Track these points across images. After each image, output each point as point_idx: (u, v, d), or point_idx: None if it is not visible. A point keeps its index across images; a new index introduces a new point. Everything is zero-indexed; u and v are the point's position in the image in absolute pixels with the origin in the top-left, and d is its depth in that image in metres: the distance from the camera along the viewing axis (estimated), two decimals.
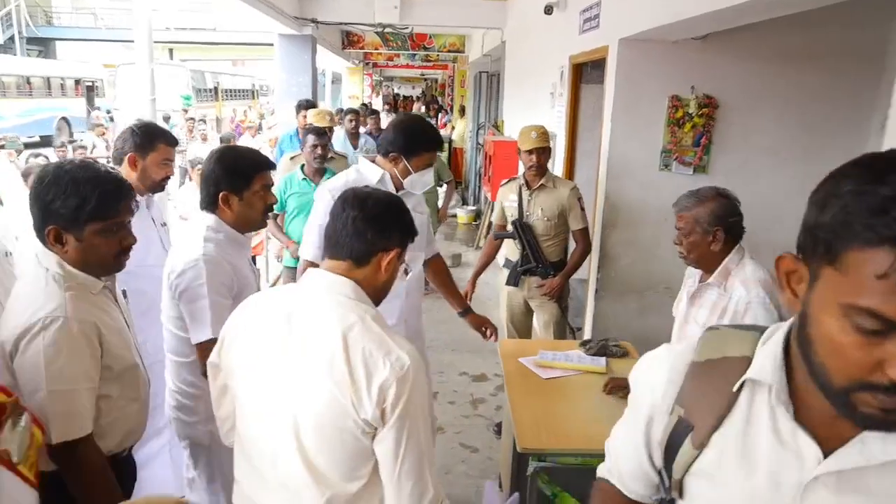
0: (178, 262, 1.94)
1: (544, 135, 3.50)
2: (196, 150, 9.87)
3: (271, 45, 8.64)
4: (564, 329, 3.68)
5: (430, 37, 12.58)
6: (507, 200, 3.66)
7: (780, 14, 2.76)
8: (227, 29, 25.31)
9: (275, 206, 3.95)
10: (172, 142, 2.60)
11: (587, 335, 4.11)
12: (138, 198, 2.50)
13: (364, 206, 1.41)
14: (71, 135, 18.69)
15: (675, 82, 3.70)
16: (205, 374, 1.78)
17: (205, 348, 1.84)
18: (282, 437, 1.33)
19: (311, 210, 3.98)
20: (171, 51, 28.36)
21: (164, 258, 2.48)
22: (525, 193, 3.57)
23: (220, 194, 1.98)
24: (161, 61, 20.47)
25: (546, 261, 3.56)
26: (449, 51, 13.25)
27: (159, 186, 2.60)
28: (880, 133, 3.76)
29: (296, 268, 4.02)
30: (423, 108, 20.91)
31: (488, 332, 2.79)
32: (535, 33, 6.23)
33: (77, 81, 21.57)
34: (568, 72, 4.79)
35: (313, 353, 1.30)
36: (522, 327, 3.78)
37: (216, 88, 24.43)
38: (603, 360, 2.83)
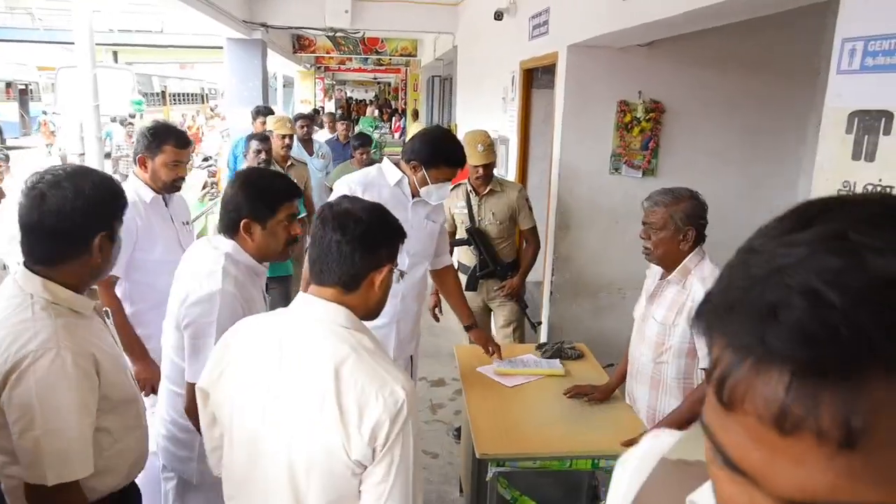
0: (192, 291, 1.78)
1: (490, 146, 3.49)
2: None
3: (221, 47, 8.48)
4: (524, 325, 3.74)
5: (382, 41, 12.55)
6: (455, 207, 3.65)
7: (720, 23, 2.87)
8: (174, 31, 24.71)
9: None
10: (182, 143, 2.60)
11: (543, 338, 4.16)
12: (155, 195, 2.58)
13: (346, 229, 1.30)
14: (3, 140, 17.91)
15: (624, 88, 3.78)
16: (189, 413, 1.72)
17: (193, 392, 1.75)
18: (274, 473, 1.29)
19: None
20: (115, 53, 27.52)
21: (180, 254, 2.39)
22: (474, 199, 3.59)
23: (242, 222, 1.83)
24: (105, 64, 19.84)
25: (503, 262, 3.62)
26: (401, 55, 13.24)
27: (172, 187, 2.63)
28: (816, 134, 3.95)
29: (269, 277, 3.99)
30: (376, 112, 20.83)
31: (491, 350, 2.78)
32: (487, 38, 6.29)
33: (8, 84, 20.67)
34: (519, 77, 4.84)
35: (305, 387, 1.26)
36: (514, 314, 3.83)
37: (164, 92, 23.84)
38: (558, 362, 2.86)
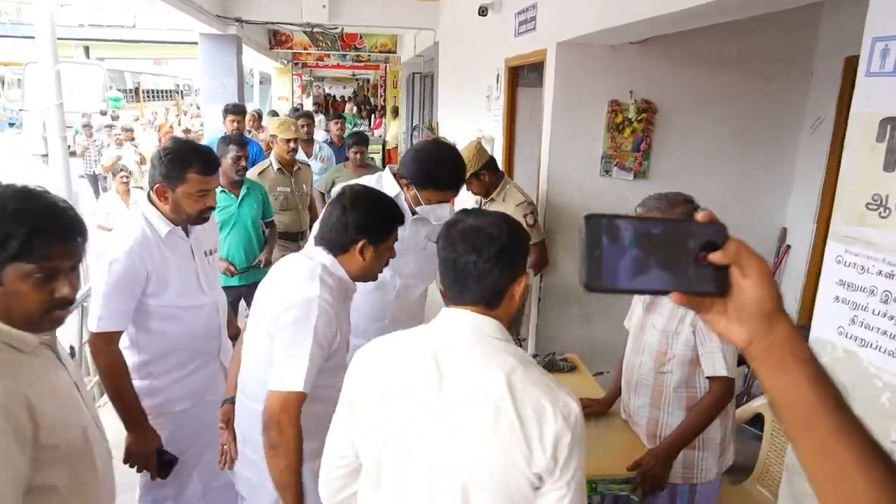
0: (290, 295, 1.70)
1: (474, 158, 3.33)
2: (112, 155, 9.26)
3: (195, 43, 8.21)
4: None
5: (361, 37, 12.32)
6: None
7: (714, 21, 2.75)
8: (147, 26, 24.20)
9: None
10: (208, 169, 2.14)
11: (531, 347, 4.03)
12: (173, 227, 2.15)
13: (481, 250, 1.24)
14: None
15: (615, 87, 3.65)
16: (271, 423, 1.61)
17: (288, 402, 1.61)
18: (444, 496, 1.20)
19: (237, 225, 3.80)
20: (86, 49, 26.91)
21: (201, 297, 2.25)
22: (484, 205, 3.46)
23: (360, 243, 1.78)
24: (75, 59, 19.30)
25: None
26: (380, 51, 13.01)
27: (199, 219, 2.20)
28: (810, 135, 3.86)
29: (235, 286, 3.77)
30: (354, 109, 20.57)
31: None
32: (470, 35, 6.14)
33: None
34: (504, 75, 4.70)
35: (474, 401, 1.19)
36: None
37: (137, 89, 23.34)
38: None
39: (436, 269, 2.47)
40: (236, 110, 5.47)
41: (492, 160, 3.51)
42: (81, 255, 1.34)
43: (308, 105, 21.61)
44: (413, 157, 2.31)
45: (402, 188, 2.33)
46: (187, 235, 2.23)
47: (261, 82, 21.54)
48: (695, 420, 2.04)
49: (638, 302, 2.23)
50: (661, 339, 2.02)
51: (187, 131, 14.36)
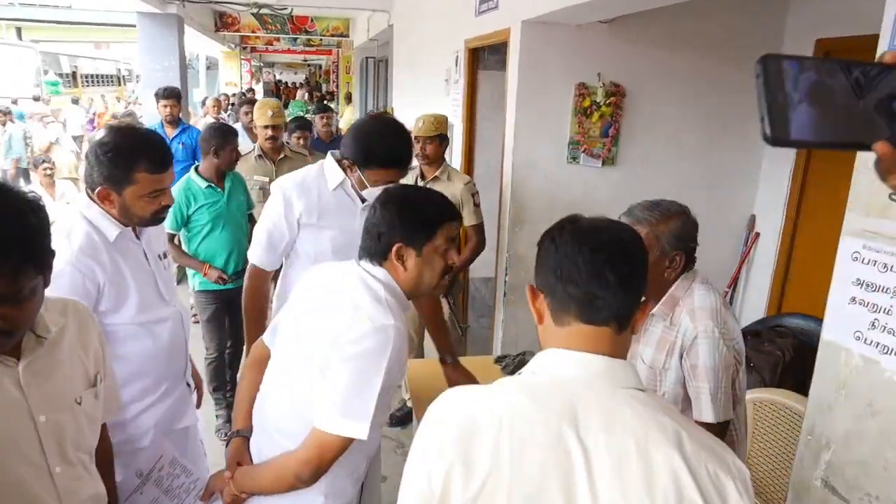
0: (353, 323, 1.39)
1: (433, 123, 3.36)
2: (45, 139, 8.64)
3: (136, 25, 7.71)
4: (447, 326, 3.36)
5: (312, 20, 11.90)
6: None
7: None
8: (83, 7, 23.00)
9: (169, 225, 3.08)
10: (160, 164, 1.76)
11: (497, 343, 3.84)
12: (123, 229, 1.77)
13: (616, 255, 0.97)
14: None
15: (582, 69, 3.46)
16: (311, 468, 1.37)
17: (341, 448, 1.37)
18: None
19: (228, 223, 3.40)
20: (18, 30, 25.49)
21: (163, 308, 1.87)
22: (420, 184, 3.37)
23: (396, 246, 1.48)
24: (5, 41, 18.22)
25: None
26: (332, 35, 12.62)
27: (153, 221, 1.84)
28: None
29: (211, 291, 3.37)
30: (306, 96, 20.04)
31: None
32: (427, 15, 5.88)
33: None
34: (463, 57, 4.47)
35: (637, 482, 0.86)
36: (412, 323, 3.47)
37: (74, 74, 22.16)
38: None
39: None
40: (168, 94, 5.04)
41: (446, 139, 3.49)
42: (23, 280, 1.10)
43: (259, 92, 20.95)
44: (353, 135, 2.08)
45: (345, 173, 2.11)
46: (138, 238, 1.86)
47: (208, 67, 20.78)
48: None
49: None
50: (650, 375, 1.76)
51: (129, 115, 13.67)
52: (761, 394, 2.41)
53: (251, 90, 17.47)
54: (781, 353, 3.22)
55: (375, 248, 1.49)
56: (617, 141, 3.57)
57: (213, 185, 3.36)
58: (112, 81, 26.11)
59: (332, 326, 1.41)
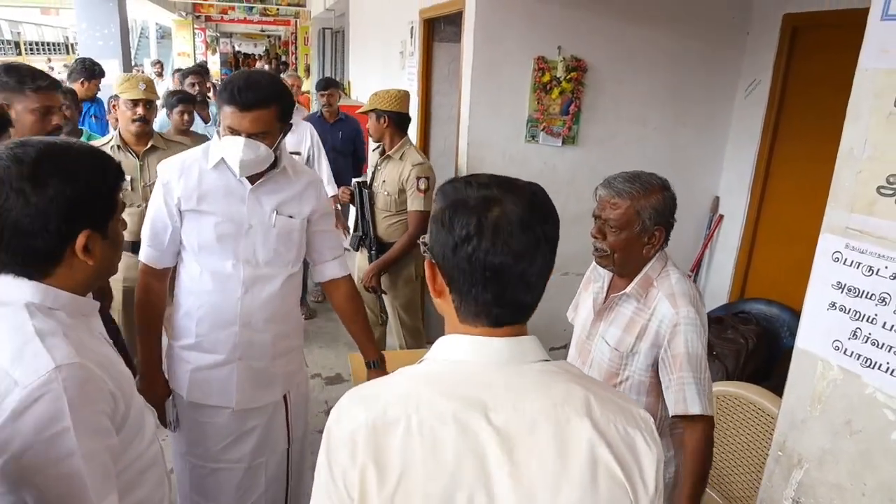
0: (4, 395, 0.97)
1: (372, 98, 3.16)
2: None
3: None
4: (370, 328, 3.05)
5: None
6: (371, 166, 3.38)
7: None
8: None
9: None
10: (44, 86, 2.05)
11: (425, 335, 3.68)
12: None
13: (545, 216, 0.87)
14: None
15: (542, 42, 3.26)
16: None
17: None
18: None
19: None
20: None
21: None
22: (380, 161, 3.26)
23: (81, 238, 1.06)
24: None
25: (376, 236, 3.27)
26: (289, 4, 12.16)
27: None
28: (744, 98, 3.63)
29: None
30: (266, 67, 19.41)
31: None
32: None
33: None
34: (419, 28, 4.23)
35: (561, 464, 0.83)
36: (368, 297, 3.31)
37: (17, 41, 21.08)
38: None
39: (295, 249, 1.98)
40: (87, 67, 4.44)
41: (406, 118, 3.22)
42: None
43: (214, 63, 20.19)
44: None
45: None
46: None
47: (161, 37, 19.91)
48: (689, 491, 1.50)
49: (588, 297, 1.82)
50: (613, 357, 1.63)
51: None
52: (727, 387, 2.29)
53: (205, 62, 16.81)
54: (745, 340, 3.13)
55: (38, 253, 1.03)
56: (578, 118, 3.39)
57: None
58: (59, 49, 24.95)
59: None
